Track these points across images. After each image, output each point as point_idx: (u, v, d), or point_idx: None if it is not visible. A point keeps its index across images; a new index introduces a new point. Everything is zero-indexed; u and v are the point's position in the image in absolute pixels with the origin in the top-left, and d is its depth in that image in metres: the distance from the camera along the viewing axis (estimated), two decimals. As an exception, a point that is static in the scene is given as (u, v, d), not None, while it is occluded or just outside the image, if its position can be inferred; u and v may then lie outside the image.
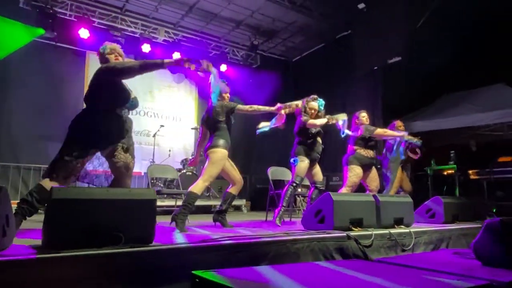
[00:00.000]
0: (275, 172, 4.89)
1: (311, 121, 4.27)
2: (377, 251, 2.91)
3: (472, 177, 7.07)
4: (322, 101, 4.58)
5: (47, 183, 2.59)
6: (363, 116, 4.98)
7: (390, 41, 7.51)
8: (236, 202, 7.39)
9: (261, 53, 9.72)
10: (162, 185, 6.38)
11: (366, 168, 4.62)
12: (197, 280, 1.44)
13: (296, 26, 8.89)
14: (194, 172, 6.65)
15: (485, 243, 1.95)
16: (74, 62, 7.81)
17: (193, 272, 1.53)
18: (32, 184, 7.01)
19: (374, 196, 3.37)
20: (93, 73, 8.21)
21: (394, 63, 7.51)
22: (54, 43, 7.43)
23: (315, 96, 4.59)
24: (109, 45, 3.17)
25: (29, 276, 1.65)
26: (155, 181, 6.54)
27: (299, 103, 4.12)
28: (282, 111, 3.78)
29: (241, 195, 7.43)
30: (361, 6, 7.87)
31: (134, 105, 3.15)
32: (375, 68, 8.02)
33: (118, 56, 3.15)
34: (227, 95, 3.91)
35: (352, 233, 2.83)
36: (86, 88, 7.77)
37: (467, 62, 7.11)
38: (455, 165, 6.83)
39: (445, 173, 7.04)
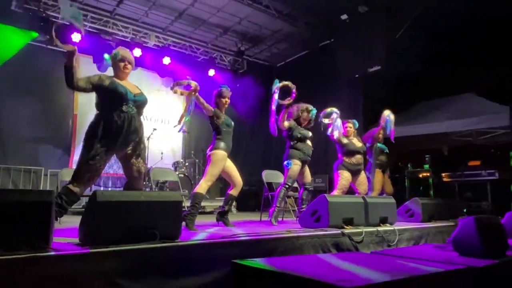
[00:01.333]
0: (268, 175, 5.22)
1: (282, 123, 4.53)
2: (367, 246, 3.30)
3: (444, 179, 7.64)
4: (314, 111, 4.84)
5: (73, 186, 2.82)
6: (346, 126, 5.23)
7: (370, 51, 7.97)
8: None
9: (247, 58, 10.04)
10: (155, 187, 6.59)
11: (354, 173, 4.97)
12: (237, 267, 1.73)
13: (282, 33, 9.26)
14: (186, 174, 6.89)
15: (461, 237, 2.34)
16: (63, 65, 7.85)
17: (233, 260, 1.82)
18: (22, 186, 7.06)
19: (363, 197, 3.76)
20: (82, 76, 8.25)
21: (374, 71, 7.97)
22: (44, 45, 7.48)
23: (310, 107, 4.79)
24: (121, 51, 3.24)
25: (83, 268, 1.90)
26: (146, 182, 6.73)
27: (190, 81, 3.73)
28: (174, 92, 3.72)
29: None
30: (343, 17, 8.31)
31: (139, 100, 3.17)
32: (356, 76, 8.47)
33: (128, 64, 3.23)
34: (225, 100, 4.10)
35: (345, 231, 3.20)
36: (75, 91, 7.95)
37: (440, 73, 7.69)
38: (430, 168, 7.35)
39: (421, 175, 7.56)
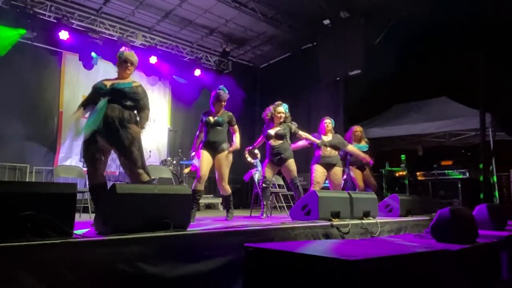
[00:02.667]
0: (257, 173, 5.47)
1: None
2: (353, 236, 3.60)
3: (419, 178, 8.12)
4: (286, 105, 5.03)
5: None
6: (325, 123, 5.44)
7: (351, 55, 8.34)
8: (213, 201, 7.90)
9: (232, 59, 10.25)
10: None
11: (328, 167, 5.18)
12: (250, 249, 1.96)
13: (266, 36, 9.53)
14: (174, 172, 7.04)
15: (439, 225, 2.66)
16: (50, 62, 7.84)
17: (245, 244, 2.05)
18: (8, 183, 7.02)
19: (348, 193, 4.07)
20: (69, 74, 8.52)
21: (354, 75, 8.34)
22: (30, 42, 7.44)
23: (279, 102, 5.03)
24: (125, 53, 3.44)
25: (107, 252, 2.09)
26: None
27: None
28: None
29: (216, 193, 7.93)
30: (326, 22, 8.66)
31: (117, 90, 3.35)
32: (338, 79, 8.84)
33: (130, 66, 3.45)
34: (223, 102, 4.40)
35: (334, 223, 3.49)
36: (62, 88, 7.96)
37: (417, 77, 8.15)
38: (405, 167, 7.79)
39: (397, 174, 7.99)
